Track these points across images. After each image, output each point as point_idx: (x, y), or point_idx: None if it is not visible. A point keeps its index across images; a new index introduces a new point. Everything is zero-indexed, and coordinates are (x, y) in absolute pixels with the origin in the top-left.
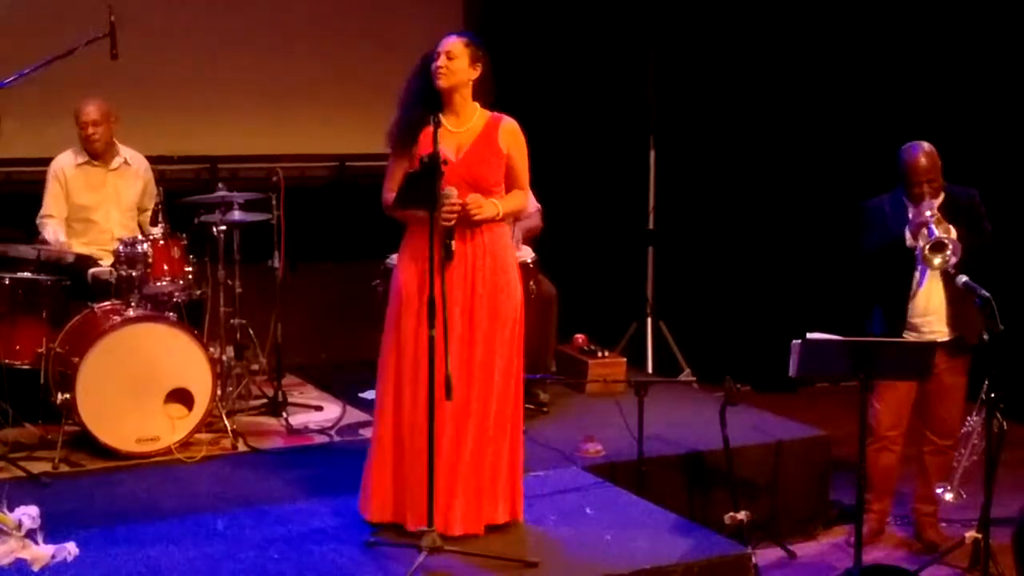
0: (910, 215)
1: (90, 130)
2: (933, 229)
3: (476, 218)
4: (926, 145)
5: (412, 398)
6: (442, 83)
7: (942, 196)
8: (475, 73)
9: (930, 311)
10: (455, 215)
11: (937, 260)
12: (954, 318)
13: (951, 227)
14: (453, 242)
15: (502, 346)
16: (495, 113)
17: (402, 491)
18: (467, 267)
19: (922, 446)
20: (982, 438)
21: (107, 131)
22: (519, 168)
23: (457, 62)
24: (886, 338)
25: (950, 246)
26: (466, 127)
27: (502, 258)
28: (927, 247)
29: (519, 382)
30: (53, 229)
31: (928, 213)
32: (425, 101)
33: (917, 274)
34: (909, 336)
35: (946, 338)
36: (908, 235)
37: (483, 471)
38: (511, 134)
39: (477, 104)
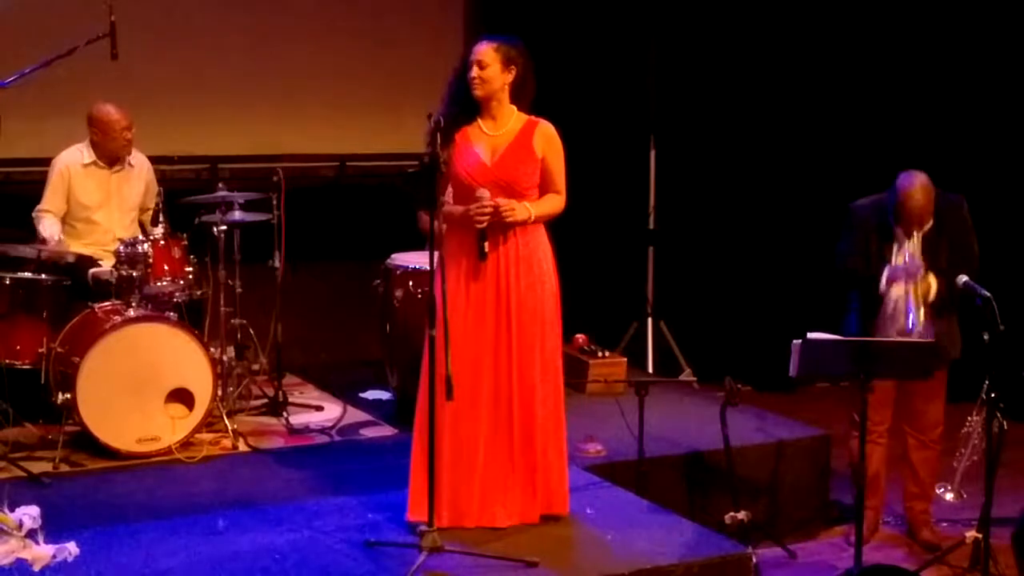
0: (894, 251)
1: (128, 135)
2: (910, 321)
3: (508, 220)
4: (922, 179)
5: (463, 401)
6: (478, 93)
7: (930, 223)
8: (510, 76)
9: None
10: (487, 217)
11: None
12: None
13: (932, 282)
14: (486, 243)
15: (540, 344)
16: (532, 117)
17: (467, 492)
18: (499, 268)
19: (906, 444)
20: (982, 438)
21: (132, 135)
22: (554, 172)
23: (489, 70)
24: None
25: (921, 334)
26: (502, 130)
27: (536, 259)
28: (903, 333)
29: (561, 377)
30: (49, 224)
31: (911, 280)
32: (461, 104)
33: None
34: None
35: None
36: (883, 281)
37: (527, 465)
38: (547, 138)
39: (514, 107)
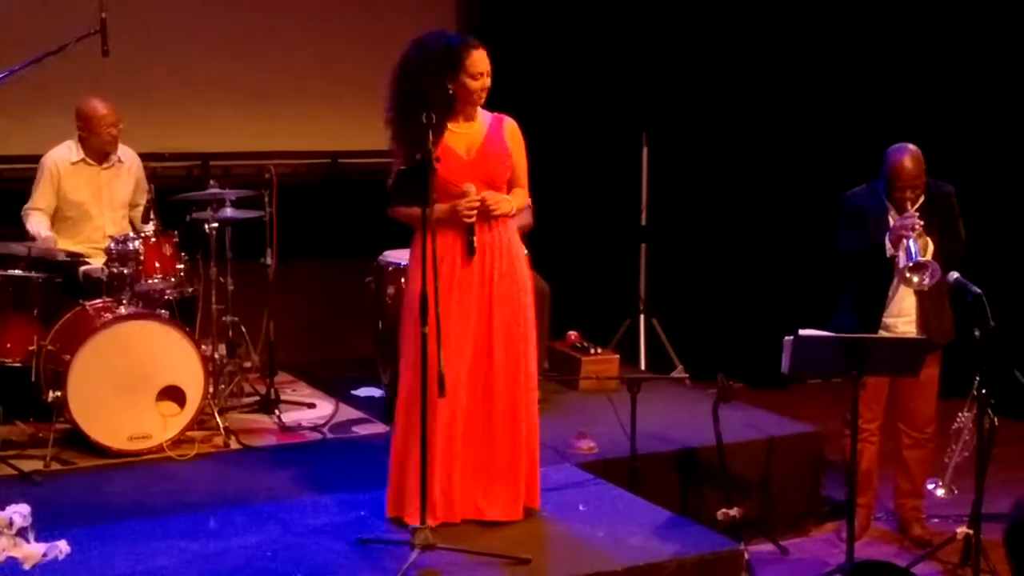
0: (891, 220)
1: (113, 131)
2: (913, 251)
3: (495, 213)
4: (913, 149)
5: (454, 398)
6: (482, 102)
7: (922, 198)
8: None
9: (903, 312)
10: (475, 211)
11: (915, 279)
12: (924, 320)
13: (929, 241)
14: (475, 238)
15: (524, 335)
16: (495, 113)
17: (451, 486)
18: (486, 261)
19: (899, 441)
20: (973, 434)
21: (119, 131)
22: (520, 166)
23: (490, 78)
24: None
25: (929, 269)
26: (474, 127)
27: (516, 251)
28: (907, 268)
29: (537, 372)
30: (37, 221)
31: (911, 231)
32: (447, 106)
33: (895, 279)
34: (883, 334)
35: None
36: (888, 244)
37: (518, 456)
38: (513, 133)
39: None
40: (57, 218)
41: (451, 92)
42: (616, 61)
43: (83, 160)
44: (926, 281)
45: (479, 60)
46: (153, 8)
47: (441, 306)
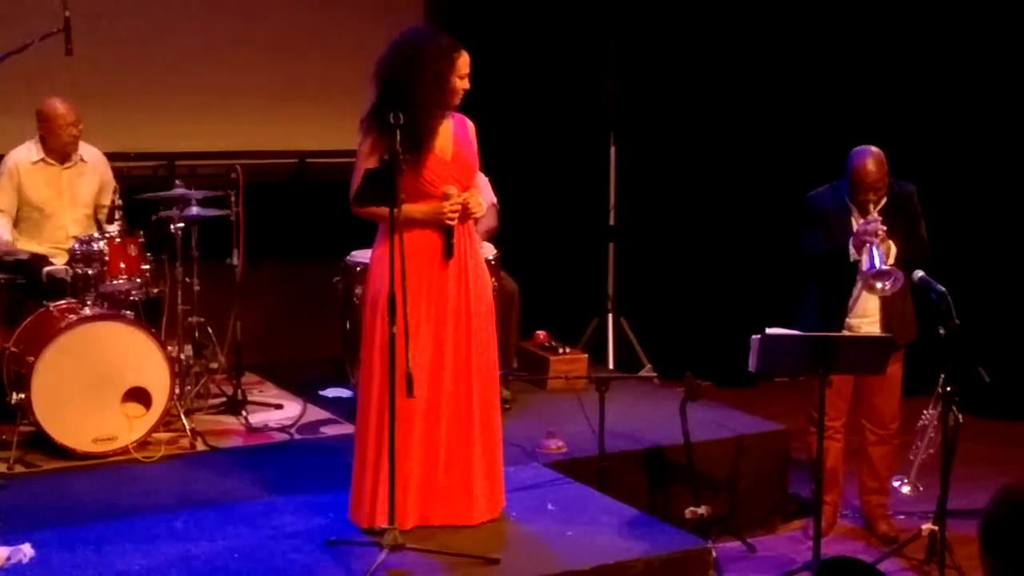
0: (854, 222)
1: (74, 130)
2: (876, 257)
3: (477, 215)
4: (875, 151)
5: (427, 397)
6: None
7: (884, 199)
8: None
9: (867, 313)
10: (458, 213)
11: (879, 285)
12: (886, 321)
13: (892, 244)
14: (455, 240)
15: (492, 334)
16: (454, 112)
17: (433, 490)
18: (461, 261)
19: (864, 439)
20: (938, 431)
21: (80, 130)
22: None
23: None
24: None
25: (893, 276)
26: (447, 128)
27: (480, 253)
28: (871, 275)
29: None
30: (0, 225)
31: (875, 237)
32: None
33: (859, 281)
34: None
35: None
36: (851, 248)
37: (494, 455)
38: (474, 133)
39: None
40: (19, 218)
41: (446, 92)
42: (583, 60)
43: (43, 160)
44: (888, 287)
45: (466, 62)
46: (117, 7)
47: (412, 306)
